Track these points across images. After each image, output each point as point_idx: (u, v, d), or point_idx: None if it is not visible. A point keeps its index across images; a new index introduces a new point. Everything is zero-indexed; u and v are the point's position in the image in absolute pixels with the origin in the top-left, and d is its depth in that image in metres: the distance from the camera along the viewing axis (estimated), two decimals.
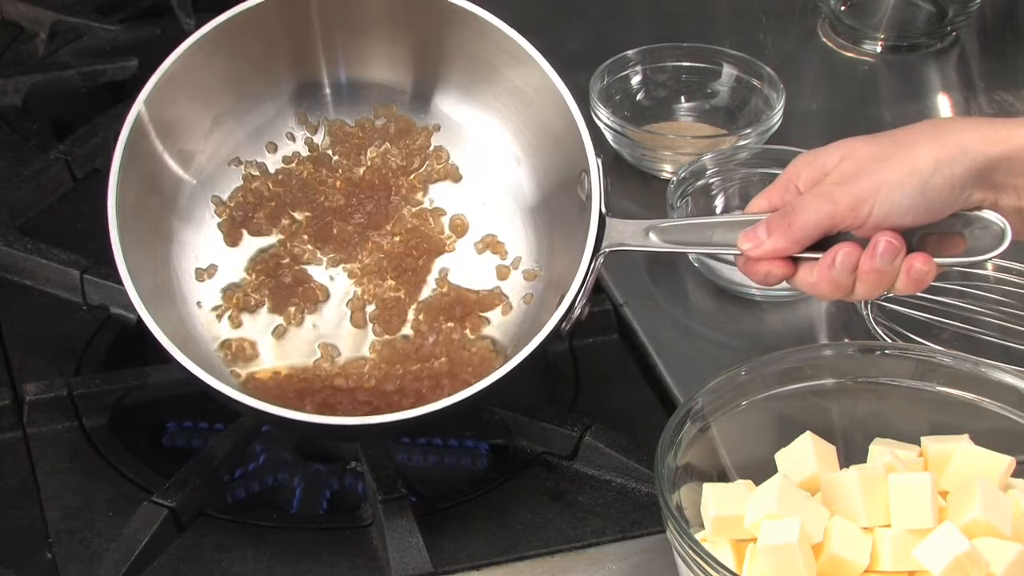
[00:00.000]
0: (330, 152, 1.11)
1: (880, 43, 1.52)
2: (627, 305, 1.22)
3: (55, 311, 1.21)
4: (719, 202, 1.28)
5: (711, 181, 1.28)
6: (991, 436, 0.97)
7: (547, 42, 1.52)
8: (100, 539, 1.02)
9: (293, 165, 1.11)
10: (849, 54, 1.52)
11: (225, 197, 1.10)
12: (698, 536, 0.91)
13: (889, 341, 1.13)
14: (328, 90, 1.13)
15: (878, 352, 1.02)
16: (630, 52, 1.40)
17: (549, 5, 1.58)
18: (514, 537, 1.04)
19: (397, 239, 1.10)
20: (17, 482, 1.07)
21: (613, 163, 1.36)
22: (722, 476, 0.97)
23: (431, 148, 1.12)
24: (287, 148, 1.12)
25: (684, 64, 1.41)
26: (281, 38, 1.09)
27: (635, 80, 1.40)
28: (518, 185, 1.11)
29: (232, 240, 1.09)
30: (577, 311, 1.00)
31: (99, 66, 1.49)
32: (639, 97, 1.41)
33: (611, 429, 1.09)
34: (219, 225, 1.09)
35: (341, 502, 1.10)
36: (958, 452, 0.95)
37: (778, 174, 1.26)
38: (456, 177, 1.12)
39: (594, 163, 1.03)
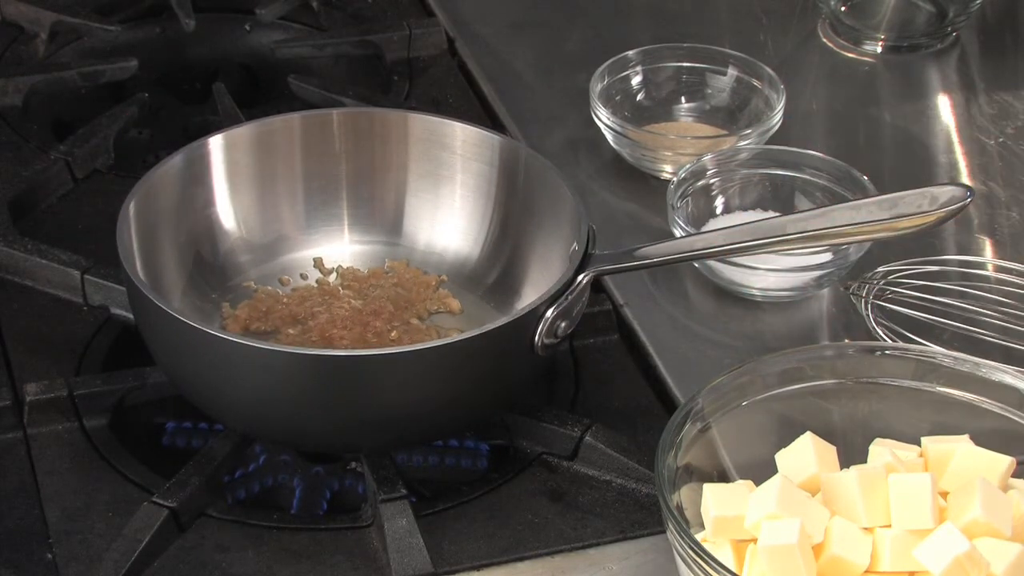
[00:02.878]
0: (339, 288, 1.18)
1: (880, 43, 1.52)
2: (627, 305, 1.22)
3: (55, 311, 1.21)
4: (719, 202, 1.28)
5: (711, 182, 1.28)
6: (991, 436, 0.97)
7: (547, 42, 1.54)
8: (100, 540, 1.02)
9: (303, 287, 1.18)
10: (849, 54, 1.52)
11: (232, 304, 1.17)
12: (698, 536, 0.91)
13: (889, 341, 1.13)
14: (346, 238, 1.21)
15: (878, 352, 1.02)
16: (630, 52, 1.40)
17: (549, 5, 1.58)
18: (514, 537, 1.04)
19: (394, 334, 1.14)
20: (17, 482, 1.07)
21: (613, 163, 1.36)
22: (722, 476, 0.97)
23: (436, 292, 1.18)
24: (299, 283, 1.19)
25: (684, 64, 1.41)
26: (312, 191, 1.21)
27: (635, 80, 1.40)
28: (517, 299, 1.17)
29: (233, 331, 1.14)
30: (550, 320, 1.03)
31: (99, 66, 1.49)
32: (639, 97, 1.40)
33: (611, 429, 1.09)
34: (224, 325, 1.14)
35: (341, 503, 1.10)
36: (958, 452, 0.95)
37: (779, 174, 1.28)
38: (457, 310, 1.17)
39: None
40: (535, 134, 1.39)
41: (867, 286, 1.18)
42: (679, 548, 0.90)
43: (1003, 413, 0.99)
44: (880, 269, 1.19)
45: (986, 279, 1.20)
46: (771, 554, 0.88)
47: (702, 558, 0.87)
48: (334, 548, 1.03)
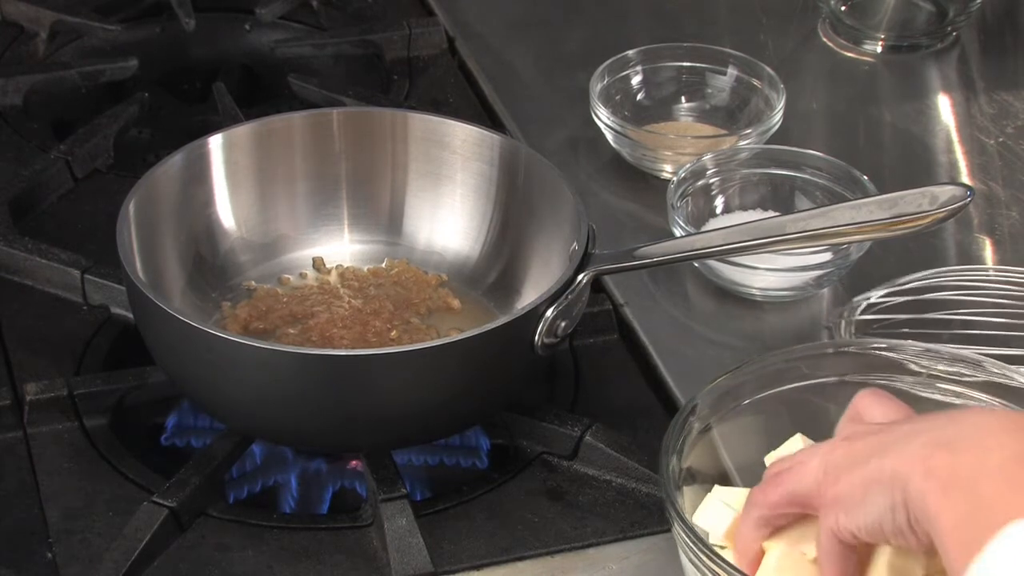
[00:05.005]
0: (339, 288, 1.18)
1: (880, 43, 1.52)
2: (627, 305, 1.22)
3: (56, 311, 1.21)
4: (719, 202, 1.28)
5: (711, 181, 1.28)
6: None
7: (547, 42, 1.54)
8: (100, 539, 1.02)
9: (303, 287, 1.18)
10: (849, 54, 1.52)
11: (231, 304, 1.17)
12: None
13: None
14: (346, 238, 1.21)
15: (878, 349, 1.02)
16: (630, 52, 1.41)
17: (548, 5, 1.58)
18: (514, 537, 1.04)
19: (394, 334, 1.14)
20: (17, 482, 1.07)
21: (613, 163, 1.36)
22: (723, 478, 0.97)
23: (436, 291, 1.18)
24: (299, 283, 1.19)
25: (684, 64, 1.41)
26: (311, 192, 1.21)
27: (635, 80, 1.41)
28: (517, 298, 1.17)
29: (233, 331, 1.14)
30: (550, 319, 1.03)
31: (99, 66, 1.49)
32: (639, 97, 1.41)
33: (611, 429, 1.09)
34: (224, 325, 1.14)
35: (342, 502, 1.10)
36: None
37: (779, 174, 1.28)
38: (456, 309, 1.17)
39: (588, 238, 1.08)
40: (535, 134, 1.39)
41: (843, 322, 1.17)
42: (689, 552, 0.89)
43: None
44: (857, 299, 1.18)
45: (986, 278, 1.20)
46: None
47: (712, 560, 0.87)
48: (334, 547, 1.03)
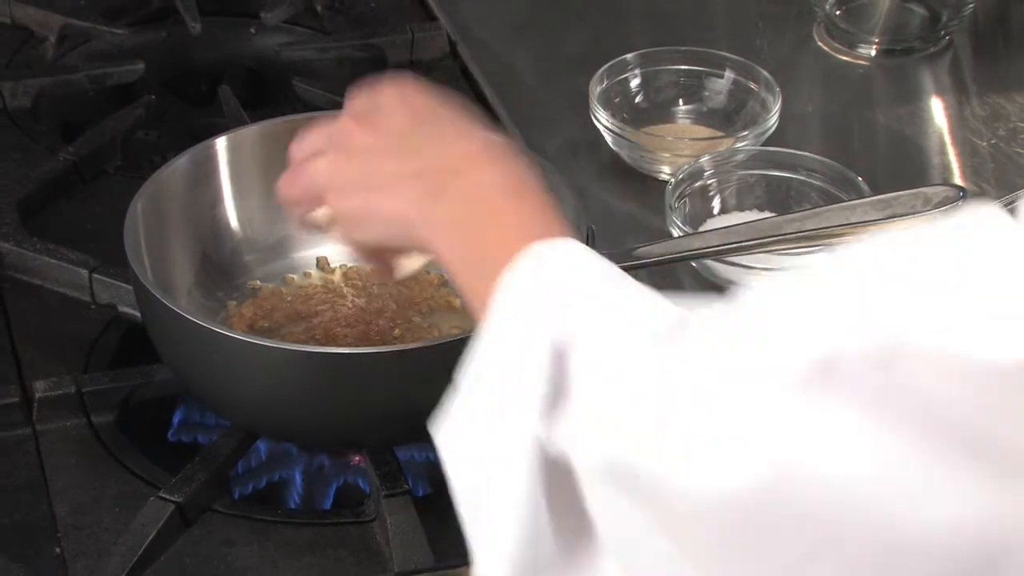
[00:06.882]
0: (343, 287, 1.18)
1: (875, 47, 1.53)
2: None
3: (64, 310, 1.22)
4: (716, 203, 1.29)
5: (708, 183, 1.29)
6: None
7: (547, 46, 1.55)
8: (108, 534, 1.04)
9: (307, 286, 1.19)
10: (844, 58, 1.53)
11: (237, 303, 1.18)
12: None
13: None
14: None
15: None
16: (628, 56, 1.41)
17: (548, 9, 1.59)
18: None
19: (396, 332, 1.15)
20: (26, 478, 1.08)
21: (612, 165, 1.37)
22: None
23: (438, 290, 1.18)
24: (303, 282, 1.20)
25: (682, 68, 1.42)
26: None
27: (634, 83, 1.41)
28: None
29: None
30: None
31: (107, 69, 1.50)
32: (638, 100, 1.41)
33: None
34: (229, 323, 1.15)
35: (345, 497, 1.11)
36: None
37: (775, 176, 1.29)
38: (458, 308, 1.17)
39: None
40: (535, 136, 1.39)
41: None
42: None
43: None
44: None
45: None
46: None
47: None
48: (338, 542, 1.04)
